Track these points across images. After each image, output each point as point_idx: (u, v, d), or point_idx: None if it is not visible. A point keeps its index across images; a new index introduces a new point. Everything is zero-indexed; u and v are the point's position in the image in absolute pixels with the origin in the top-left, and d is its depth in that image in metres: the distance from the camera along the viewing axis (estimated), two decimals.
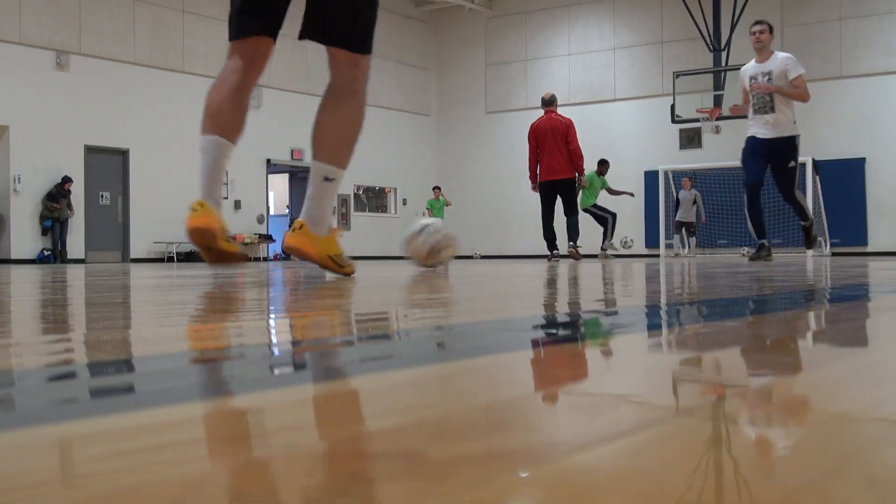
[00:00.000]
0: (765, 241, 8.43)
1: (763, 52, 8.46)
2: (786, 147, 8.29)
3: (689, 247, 19.61)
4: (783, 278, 3.39)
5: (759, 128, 8.49)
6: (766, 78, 8.34)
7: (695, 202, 19.18)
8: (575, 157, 11.11)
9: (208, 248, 3.26)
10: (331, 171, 3.39)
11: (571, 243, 11.25)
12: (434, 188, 21.71)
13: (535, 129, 11.10)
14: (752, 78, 8.54)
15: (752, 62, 8.66)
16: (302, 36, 3.40)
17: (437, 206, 21.04)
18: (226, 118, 3.44)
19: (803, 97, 8.38)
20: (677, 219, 19.23)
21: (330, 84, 3.44)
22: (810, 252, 8.51)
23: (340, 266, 3.47)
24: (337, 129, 3.40)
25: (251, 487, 0.42)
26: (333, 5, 3.39)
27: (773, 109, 8.42)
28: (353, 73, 3.40)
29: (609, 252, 13.70)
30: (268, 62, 3.54)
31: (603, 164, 16.04)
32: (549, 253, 11.11)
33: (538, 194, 11.22)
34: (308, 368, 0.90)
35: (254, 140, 17.97)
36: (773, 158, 8.34)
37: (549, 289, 2.76)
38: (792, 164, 8.31)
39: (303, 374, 0.86)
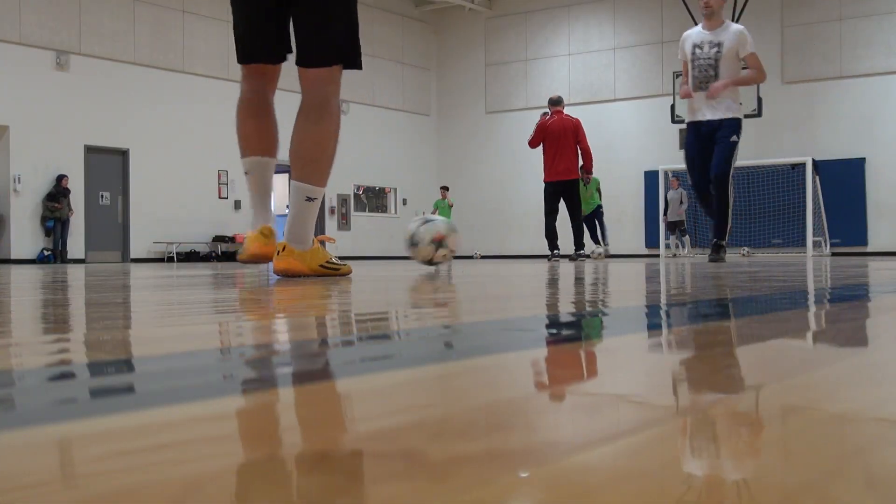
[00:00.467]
0: (721, 242, 7.56)
1: (713, 18, 7.43)
2: (733, 124, 7.44)
3: (686, 246, 19.63)
4: (784, 278, 3.40)
5: (702, 110, 7.54)
6: (715, 49, 7.37)
7: (682, 202, 19.19)
8: (588, 157, 11.29)
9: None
10: (312, 191, 3.47)
11: (581, 251, 11.21)
12: (441, 188, 21.49)
13: (547, 128, 11.11)
14: (696, 46, 7.52)
15: (698, 28, 7.63)
16: (301, 63, 3.54)
17: (442, 205, 20.87)
18: (258, 136, 3.59)
19: (761, 78, 7.69)
20: (668, 219, 19.24)
21: (303, 101, 3.51)
22: (715, 262, 7.16)
23: (335, 269, 3.55)
24: (316, 148, 3.47)
25: (251, 487, 0.42)
26: (306, 28, 3.48)
27: None
28: (332, 89, 3.49)
29: (595, 253, 13.42)
30: (279, 75, 3.72)
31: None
32: (549, 253, 11.11)
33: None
34: (308, 368, 0.90)
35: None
36: (715, 136, 7.45)
37: (551, 289, 2.76)
38: (734, 138, 7.41)
39: (303, 374, 0.86)
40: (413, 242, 4.49)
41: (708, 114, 7.50)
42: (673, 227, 19.36)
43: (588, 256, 11.44)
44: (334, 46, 3.47)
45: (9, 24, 16.76)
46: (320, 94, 3.46)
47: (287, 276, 3.45)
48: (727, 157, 7.40)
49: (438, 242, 4.48)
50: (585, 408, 0.66)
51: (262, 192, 3.65)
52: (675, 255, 18.70)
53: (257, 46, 3.57)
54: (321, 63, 3.46)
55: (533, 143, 11.21)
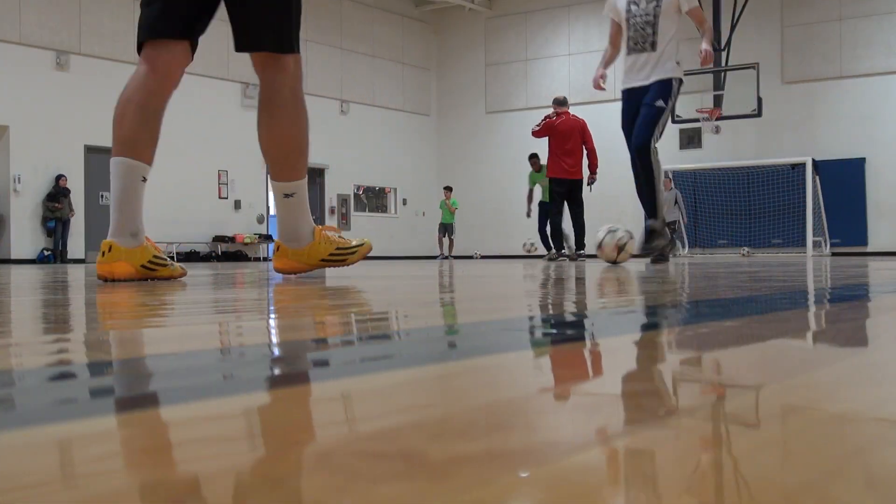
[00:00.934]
0: (654, 223, 6.63)
1: None
2: (661, 87, 6.66)
3: (686, 246, 19.64)
4: (784, 278, 3.40)
5: (635, 73, 6.81)
6: (654, 3, 6.68)
7: (676, 202, 19.21)
8: (594, 157, 11.44)
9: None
10: (288, 187, 3.34)
11: (582, 251, 11.23)
12: (445, 188, 21.36)
13: (556, 127, 11.18)
14: (631, 3, 6.85)
15: None
16: (237, 48, 3.26)
17: (443, 207, 20.77)
18: (139, 137, 3.21)
19: (710, 31, 6.94)
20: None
21: (260, 93, 3.30)
22: (656, 264, 6.23)
23: (342, 259, 3.43)
24: (282, 144, 3.30)
25: (250, 487, 0.42)
26: (244, 11, 3.21)
27: (653, 46, 6.74)
28: (281, 77, 3.23)
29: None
30: (181, 72, 3.28)
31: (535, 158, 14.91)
32: (554, 252, 11.12)
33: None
34: (307, 368, 0.90)
35: (253, 140, 17.96)
36: (642, 104, 6.68)
37: (556, 289, 2.76)
38: (660, 102, 6.62)
39: (303, 373, 0.86)
40: (599, 246, 6.24)
41: (642, 78, 6.77)
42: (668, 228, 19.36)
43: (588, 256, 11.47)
44: (268, 27, 3.19)
45: (9, 24, 16.76)
46: (271, 86, 3.23)
47: (287, 274, 3.44)
48: (649, 123, 6.58)
49: (621, 248, 6.31)
50: (585, 408, 0.66)
51: (122, 209, 3.18)
52: (674, 255, 18.70)
53: (174, 21, 3.19)
54: (254, 47, 3.21)
55: (538, 134, 11.27)
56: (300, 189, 3.36)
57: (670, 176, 20.05)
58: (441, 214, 20.80)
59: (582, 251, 11.26)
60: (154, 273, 3.21)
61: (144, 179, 3.24)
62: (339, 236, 3.53)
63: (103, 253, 3.12)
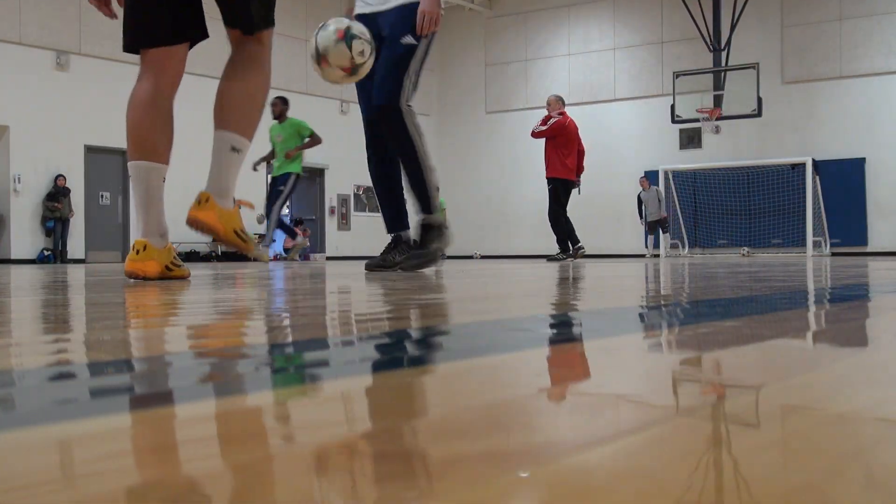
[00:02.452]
0: (431, 218, 4.70)
1: None
2: (404, 14, 4.67)
3: (686, 246, 19.66)
4: (784, 278, 3.40)
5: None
6: None
7: (659, 200, 19.26)
8: (582, 158, 11.44)
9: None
10: (238, 141, 3.26)
11: (580, 245, 11.27)
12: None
13: (566, 127, 11.21)
14: None
15: None
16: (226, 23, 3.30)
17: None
18: (156, 139, 3.24)
19: None
20: (648, 220, 19.30)
21: (232, 55, 3.32)
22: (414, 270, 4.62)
23: (244, 241, 3.28)
24: (244, 98, 3.27)
25: (250, 487, 0.42)
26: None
27: None
28: (257, 47, 3.31)
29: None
30: (182, 67, 3.34)
31: None
32: (565, 252, 11.10)
33: (546, 192, 11.29)
34: (307, 368, 0.90)
35: (253, 140, 17.96)
36: (382, 41, 4.63)
37: (559, 289, 2.76)
38: (408, 38, 4.65)
39: (302, 373, 0.86)
40: (321, 56, 3.89)
41: (375, 4, 4.76)
42: (653, 227, 19.40)
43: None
44: (254, 9, 3.26)
45: (9, 24, 16.76)
46: (250, 50, 3.29)
47: (198, 228, 3.20)
48: (393, 69, 4.61)
49: (356, 66, 3.90)
50: (585, 408, 0.66)
51: (148, 210, 3.22)
52: (673, 255, 18.71)
53: (161, 26, 3.25)
54: (260, 28, 3.29)
55: (544, 134, 11.22)
56: (244, 150, 3.31)
57: (670, 177, 20.08)
58: None
59: (582, 247, 11.34)
60: (171, 274, 3.25)
61: (164, 180, 3.29)
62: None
63: (137, 251, 3.17)
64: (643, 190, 19.33)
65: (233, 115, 3.25)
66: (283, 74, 19.90)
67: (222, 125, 3.26)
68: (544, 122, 11.26)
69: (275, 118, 11.84)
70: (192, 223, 3.19)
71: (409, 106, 4.67)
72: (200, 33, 3.36)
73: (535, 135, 11.30)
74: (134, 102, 3.24)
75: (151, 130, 3.22)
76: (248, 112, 3.27)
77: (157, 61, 3.26)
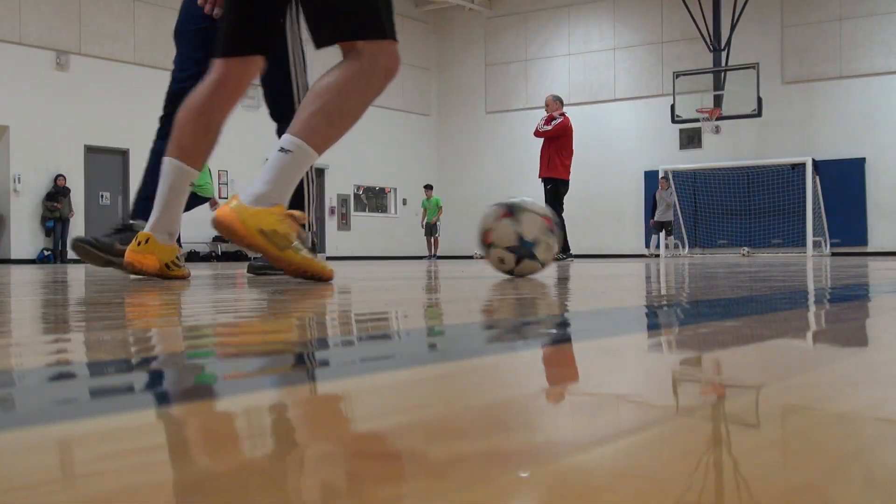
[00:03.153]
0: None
1: None
2: None
3: (686, 246, 19.69)
4: (784, 278, 3.39)
5: None
6: None
7: (673, 202, 19.36)
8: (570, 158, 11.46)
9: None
10: (290, 142, 2.84)
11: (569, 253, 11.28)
12: (425, 187, 21.80)
13: (569, 127, 11.24)
14: None
15: None
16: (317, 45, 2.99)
17: (428, 205, 21.05)
18: (198, 146, 3.18)
19: None
20: (656, 219, 19.34)
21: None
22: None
23: (282, 248, 2.76)
24: (320, 93, 2.85)
25: (250, 487, 0.42)
26: (319, 6, 2.94)
27: None
28: (353, 57, 2.87)
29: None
30: (250, 80, 3.21)
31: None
32: (566, 252, 11.11)
33: (549, 191, 11.29)
34: (308, 368, 0.90)
35: (254, 140, 17.98)
36: None
37: (559, 289, 2.76)
38: None
39: (302, 373, 0.86)
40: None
41: None
42: (660, 227, 19.45)
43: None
44: (348, 16, 2.90)
45: (9, 24, 16.76)
46: (353, 54, 2.89)
47: (221, 228, 2.78)
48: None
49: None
50: (585, 408, 0.66)
51: (166, 207, 3.17)
52: (672, 255, 18.72)
53: (245, 36, 3.13)
54: (331, 40, 2.92)
55: (549, 134, 11.22)
56: (298, 153, 2.84)
57: (671, 177, 20.08)
58: (426, 214, 21.15)
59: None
60: (170, 273, 3.22)
61: (192, 185, 3.27)
62: (302, 238, 2.92)
63: (139, 242, 3.14)
64: (662, 189, 19.34)
65: (300, 113, 2.89)
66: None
67: (286, 124, 2.99)
68: (548, 121, 11.25)
69: None
70: (215, 222, 2.79)
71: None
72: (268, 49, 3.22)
73: (539, 134, 11.30)
74: (188, 102, 3.21)
75: (192, 137, 3.19)
76: (317, 113, 2.85)
77: (227, 70, 3.14)
